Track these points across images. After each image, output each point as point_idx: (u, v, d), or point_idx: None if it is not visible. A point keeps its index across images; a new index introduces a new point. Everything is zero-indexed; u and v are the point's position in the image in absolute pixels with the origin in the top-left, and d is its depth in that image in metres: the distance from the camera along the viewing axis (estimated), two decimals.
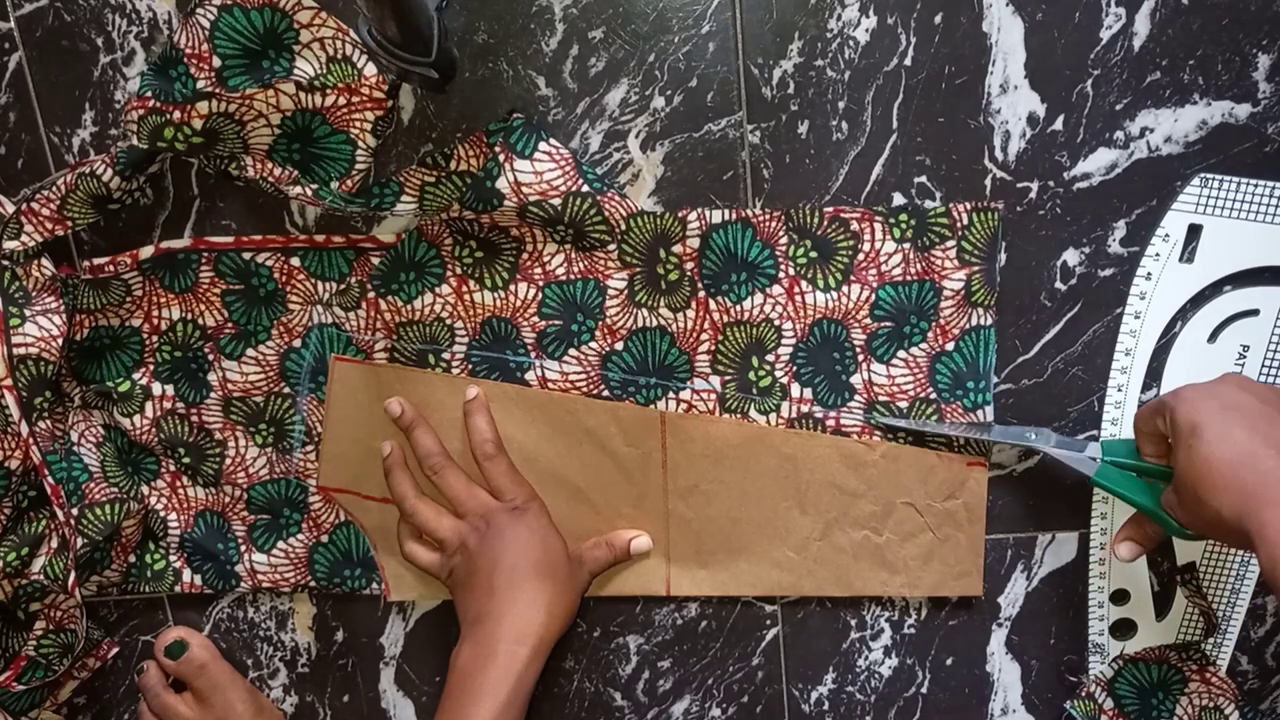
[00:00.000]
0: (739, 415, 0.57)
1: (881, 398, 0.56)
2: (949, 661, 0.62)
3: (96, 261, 0.57)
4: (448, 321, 0.57)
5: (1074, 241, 0.55)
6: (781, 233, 0.54)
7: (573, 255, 0.56)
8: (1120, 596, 0.59)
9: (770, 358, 0.56)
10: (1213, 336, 0.56)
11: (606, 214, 0.54)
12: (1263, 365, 0.55)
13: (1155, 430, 0.49)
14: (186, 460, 0.61)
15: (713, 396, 0.57)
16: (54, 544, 0.57)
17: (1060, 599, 0.60)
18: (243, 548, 0.62)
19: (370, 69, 0.52)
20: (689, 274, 0.55)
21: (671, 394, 0.57)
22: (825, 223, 0.54)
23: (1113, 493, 0.52)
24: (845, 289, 0.55)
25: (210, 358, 0.59)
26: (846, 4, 0.52)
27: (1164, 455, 0.50)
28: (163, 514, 0.62)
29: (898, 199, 0.54)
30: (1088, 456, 0.53)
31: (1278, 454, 0.43)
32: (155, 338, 0.59)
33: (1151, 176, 0.54)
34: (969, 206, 0.54)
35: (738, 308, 0.55)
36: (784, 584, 0.60)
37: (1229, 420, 0.45)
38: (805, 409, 0.57)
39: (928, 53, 0.52)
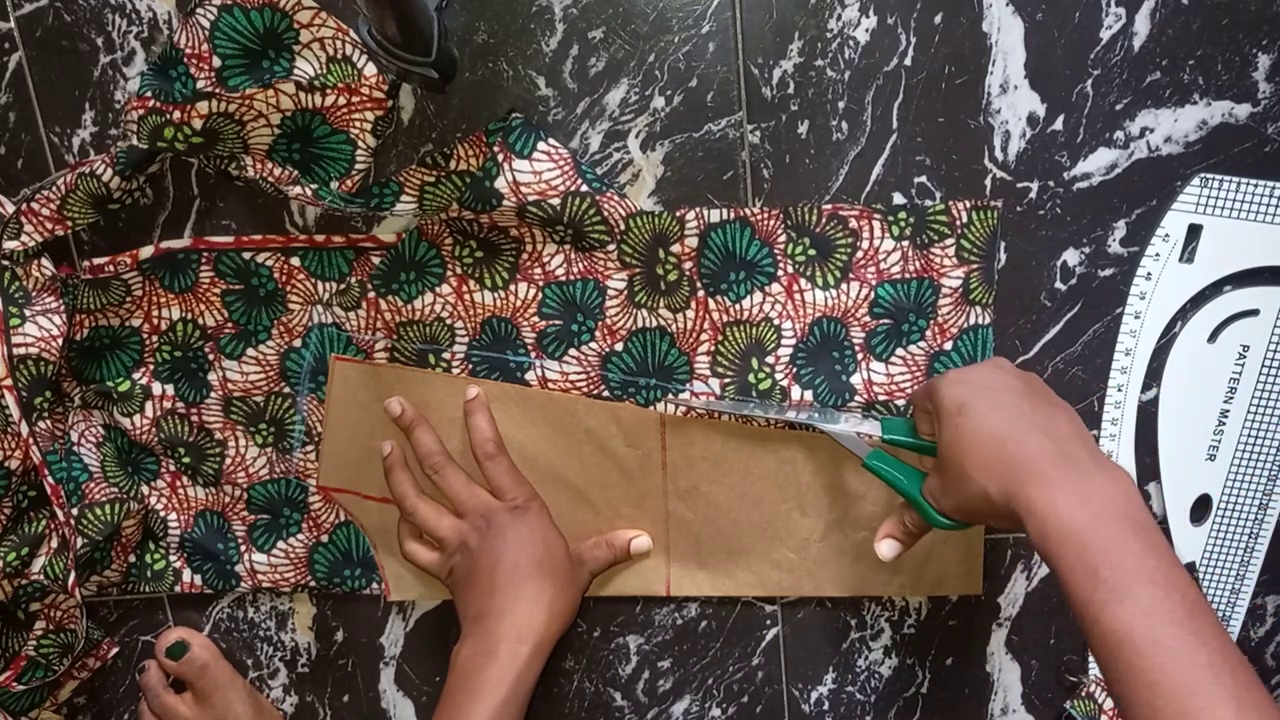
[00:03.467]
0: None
1: (881, 397, 0.56)
2: (949, 661, 0.62)
3: (96, 261, 0.57)
4: (448, 321, 0.57)
5: (1074, 241, 0.55)
6: (780, 231, 0.54)
7: (572, 255, 0.56)
8: None
9: (770, 359, 0.56)
10: (1213, 336, 0.56)
11: (605, 214, 0.54)
12: (1262, 365, 0.56)
13: (929, 408, 0.49)
14: (186, 460, 0.61)
15: (712, 399, 0.57)
16: (54, 544, 0.57)
17: (1060, 599, 0.60)
18: (243, 548, 0.62)
19: (370, 69, 0.52)
20: (688, 274, 0.55)
21: (671, 395, 0.57)
22: (824, 221, 0.54)
23: (881, 477, 0.51)
24: (844, 287, 0.55)
25: (210, 357, 0.59)
26: (846, 4, 0.52)
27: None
28: (163, 514, 0.62)
29: (898, 199, 0.54)
30: (863, 436, 0.53)
31: (1040, 433, 0.43)
32: (155, 338, 0.59)
33: (1151, 176, 0.54)
34: (968, 205, 0.54)
35: (737, 306, 0.55)
36: (784, 585, 0.60)
37: (995, 399, 0.45)
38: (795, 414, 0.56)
39: (928, 53, 0.52)
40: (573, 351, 0.57)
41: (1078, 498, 0.40)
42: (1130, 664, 0.36)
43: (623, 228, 0.55)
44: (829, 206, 0.54)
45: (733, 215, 0.54)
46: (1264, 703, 0.35)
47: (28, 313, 0.55)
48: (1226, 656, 0.36)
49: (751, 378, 0.56)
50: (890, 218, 0.54)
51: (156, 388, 0.60)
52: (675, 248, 0.55)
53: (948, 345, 0.56)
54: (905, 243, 0.54)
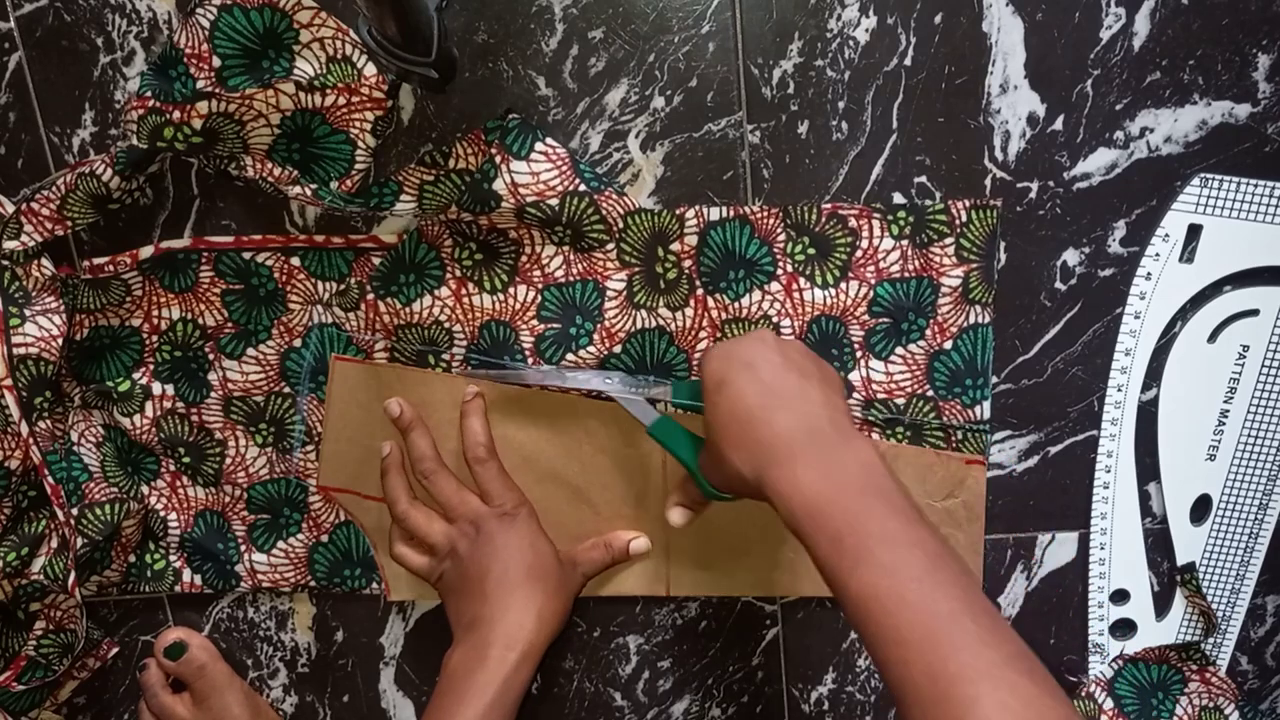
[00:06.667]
0: None
1: (880, 395, 0.56)
2: None
3: (96, 261, 0.57)
4: (446, 325, 0.57)
5: (1074, 241, 0.55)
6: (779, 230, 0.54)
7: (571, 257, 0.56)
8: (1120, 596, 0.59)
9: None
10: (1213, 336, 0.56)
11: (604, 213, 0.54)
12: (1262, 365, 0.56)
13: None
14: (186, 460, 0.61)
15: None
16: (54, 544, 0.57)
17: (1060, 599, 0.60)
18: (243, 547, 0.62)
19: (370, 69, 0.52)
20: (687, 271, 0.55)
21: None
22: (823, 219, 0.54)
23: (665, 446, 0.52)
24: (843, 286, 0.55)
25: (210, 357, 0.59)
26: (846, 4, 0.52)
27: None
28: (163, 514, 0.62)
29: (898, 199, 0.54)
30: (651, 403, 0.53)
31: (788, 411, 0.44)
32: (155, 337, 0.59)
33: (1151, 176, 0.54)
34: (968, 204, 0.54)
35: (736, 305, 0.55)
36: (784, 584, 0.60)
37: (750, 375, 0.46)
38: None
39: (928, 53, 0.52)
40: (570, 356, 0.57)
41: (819, 473, 0.42)
42: (879, 623, 0.38)
43: (621, 226, 0.55)
44: (828, 205, 0.54)
45: (732, 213, 0.54)
46: (1006, 641, 0.37)
47: (28, 313, 0.55)
48: (969, 604, 0.37)
49: None
50: (890, 217, 0.54)
51: (156, 388, 0.60)
52: (674, 246, 0.55)
53: (947, 344, 0.56)
54: (905, 242, 0.54)
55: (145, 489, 0.62)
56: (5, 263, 0.54)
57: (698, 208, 0.54)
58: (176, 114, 0.50)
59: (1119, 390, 0.56)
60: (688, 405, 0.53)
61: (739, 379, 0.46)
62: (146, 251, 0.57)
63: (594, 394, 0.57)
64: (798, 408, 0.44)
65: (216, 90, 0.52)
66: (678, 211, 0.54)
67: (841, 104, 0.53)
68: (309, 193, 0.52)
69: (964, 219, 0.54)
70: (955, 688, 0.35)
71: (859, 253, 0.55)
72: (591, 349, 0.57)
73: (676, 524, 0.52)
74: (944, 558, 0.39)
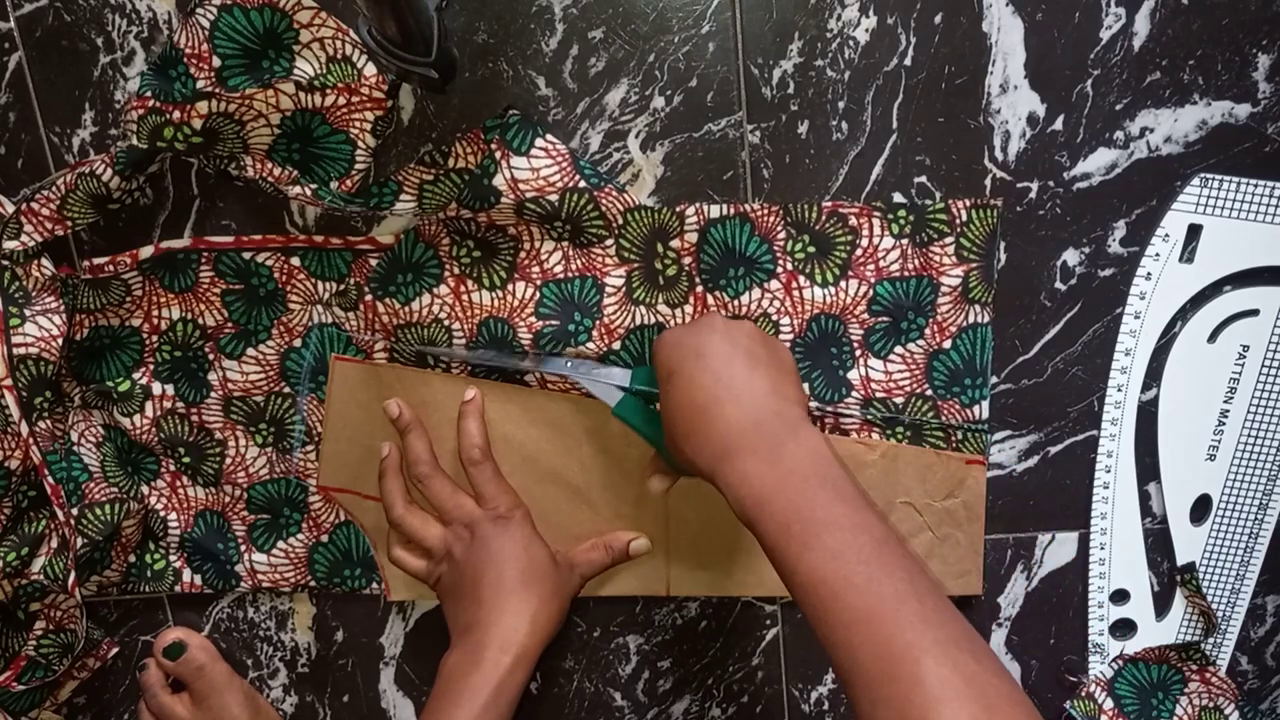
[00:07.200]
0: None
1: (879, 394, 0.56)
2: None
3: (96, 261, 0.57)
4: (445, 323, 0.57)
5: (1074, 241, 0.55)
6: (780, 228, 0.54)
7: (570, 252, 0.56)
8: (1120, 596, 0.59)
9: None
10: (1213, 336, 0.56)
11: (604, 209, 0.54)
12: (1262, 365, 0.56)
13: None
14: (186, 460, 0.61)
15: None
16: (54, 544, 0.57)
17: (1060, 599, 0.60)
18: (243, 547, 0.62)
19: (370, 69, 0.52)
20: (686, 269, 0.55)
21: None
22: (823, 218, 0.54)
23: (630, 425, 0.52)
24: (843, 284, 0.55)
25: (210, 357, 0.59)
26: (846, 4, 0.52)
27: None
28: (163, 514, 0.62)
29: (898, 199, 0.54)
30: (615, 385, 0.53)
31: (736, 404, 0.44)
32: (155, 337, 0.59)
33: (1151, 176, 0.54)
34: (968, 203, 0.54)
35: (735, 302, 0.55)
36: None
37: (699, 366, 0.46)
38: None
39: (928, 53, 0.52)
40: (570, 352, 0.57)
41: (766, 464, 0.42)
42: (827, 607, 0.38)
43: (621, 222, 0.55)
44: (829, 203, 0.54)
45: (733, 211, 0.54)
46: (951, 620, 0.37)
47: (28, 313, 0.55)
48: (913, 584, 0.38)
49: None
50: (890, 215, 0.54)
51: (156, 388, 0.60)
52: (675, 243, 0.55)
53: (946, 344, 0.56)
54: (905, 240, 0.54)
55: (145, 489, 0.62)
56: (5, 263, 0.54)
57: (698, 205, 0.54)
58: (176, 114, 0.50)
59: (1119, 390, 0.56)
60: (646, 391, 0.53)
61: (689, 369, 0.46)
62: (146, 251, 0.57)
63: (557, 379, 0.57)
64: (745, 399, 0.44)
65: (216, 90, 0.52)
66: (678, 208, 0.54)
67: (841, 104, 0.53)
68: (309, 193, 0.52)
69: (964, 218, 0.54)
70: (900, 666, 0.35)
71: (859, 251, 0.55)
72: (591, 345, 0.57)
73: (657, 490, 0.52)
74: (890, 542, 0.39)
